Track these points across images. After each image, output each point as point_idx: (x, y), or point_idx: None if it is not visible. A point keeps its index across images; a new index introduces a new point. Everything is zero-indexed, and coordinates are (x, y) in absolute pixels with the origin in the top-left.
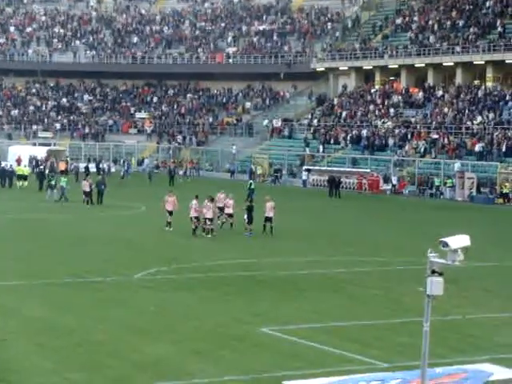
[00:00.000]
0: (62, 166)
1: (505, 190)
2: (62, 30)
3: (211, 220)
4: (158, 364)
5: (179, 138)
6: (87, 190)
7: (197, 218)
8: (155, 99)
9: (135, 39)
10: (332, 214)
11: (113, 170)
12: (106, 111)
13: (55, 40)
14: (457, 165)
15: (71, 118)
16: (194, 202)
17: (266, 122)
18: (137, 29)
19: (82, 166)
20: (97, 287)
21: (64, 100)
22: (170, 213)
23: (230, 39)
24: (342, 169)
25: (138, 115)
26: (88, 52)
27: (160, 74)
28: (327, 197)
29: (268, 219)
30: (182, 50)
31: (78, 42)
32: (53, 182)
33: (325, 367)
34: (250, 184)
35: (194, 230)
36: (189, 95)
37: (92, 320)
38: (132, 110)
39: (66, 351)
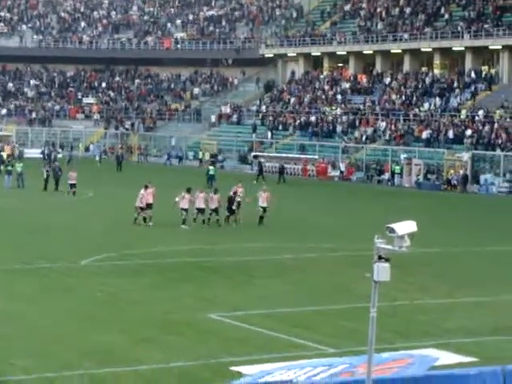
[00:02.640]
0: (7, 151)
1: (450, 177)
2: (8, 14)
3: (216, 211)
4: (105, 350)
5: (127, 123)
6: (74, 182)
7: (141, 208)
8: (103, 84)
9: (82, 24)
10: (279, 201)
11: (59, 155)
12: (53, 96)
13: (1, 24)
14: (403, 156)
15: (17, 103)
16: (142, 191)
17: (213, 117)
18: (84, 13)
19: (27, 151)
20: (44, 274)
21: (10, 85)
22: (149, 206)
23: (178, 24)
24: (290, 155)
25: (86, 100)
26: (35, 36)
27: (108, 59)
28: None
29: (264, 209)
30: (129, 35)
31: (24, 26)
32: (10, 168)
33: (273, 353)
34: (208, 170)
35: (136, 219)
36: (137, 81)
37: (39, 307)
38: (79, 95)
39: (12, 338)
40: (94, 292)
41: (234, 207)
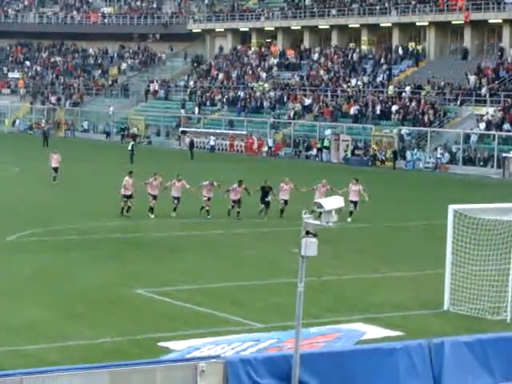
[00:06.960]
0: None
1: (376, 153)
2: None
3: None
4: (33, 327)
5: (53, 98)
6: (57, 165)
7: (126, 196)
8: (29, 59)
9: None
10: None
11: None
12: None
13: None
14: (327, 131)
15: None
16: (127, 178)
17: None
18: None
19: None
20: None
21: None
22: (128, 196)
23: None
24: (218, 131)
25: (11, 75)
26: None
27: (34, 33)
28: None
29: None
30: (56, 9)
31: None
32: None
33: (200, 328)
34: (132, 146)
35: (123, 209)
36: (63, 55)
37: None
38: (5, 69)
39: None
40: (21, 269)
41: (268, 199)
